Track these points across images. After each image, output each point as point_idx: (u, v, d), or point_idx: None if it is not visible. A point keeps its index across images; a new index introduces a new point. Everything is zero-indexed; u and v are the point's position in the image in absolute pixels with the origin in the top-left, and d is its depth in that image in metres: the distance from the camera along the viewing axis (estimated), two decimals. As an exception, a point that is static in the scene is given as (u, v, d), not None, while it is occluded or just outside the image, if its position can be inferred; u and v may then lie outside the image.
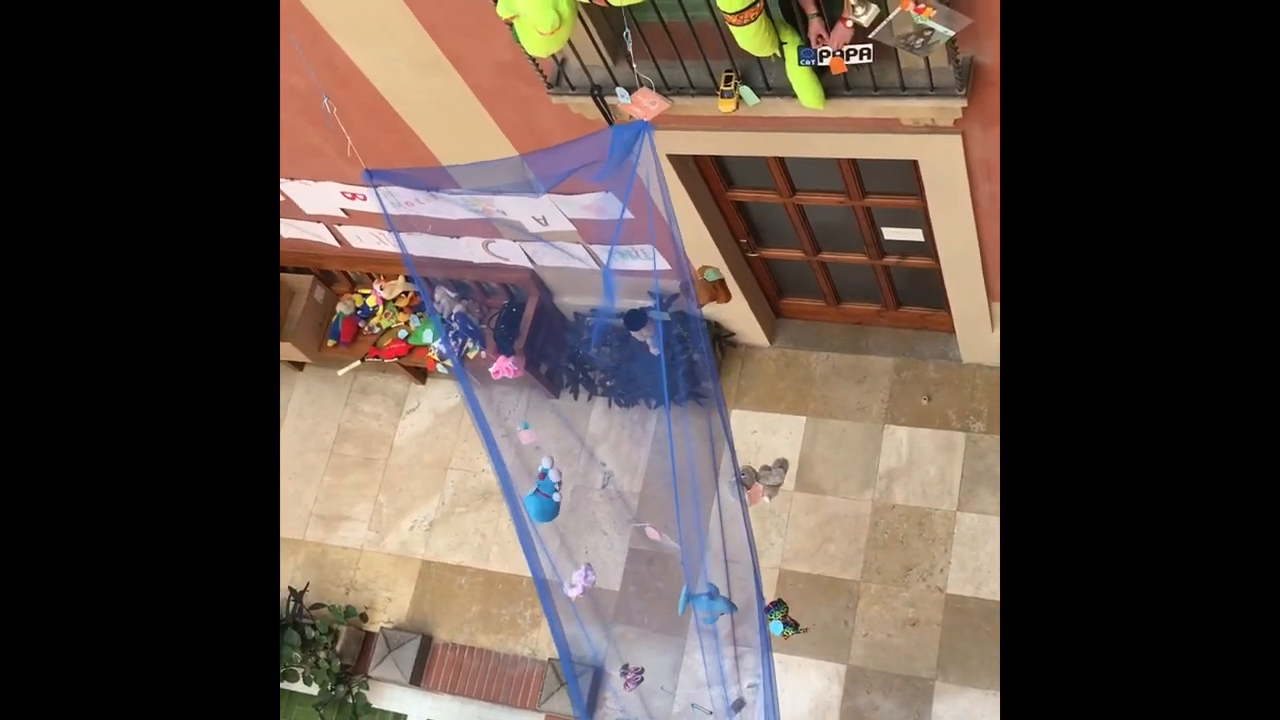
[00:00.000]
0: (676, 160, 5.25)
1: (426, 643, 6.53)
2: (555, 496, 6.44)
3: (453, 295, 6.81)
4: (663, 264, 5.64)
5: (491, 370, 6.49)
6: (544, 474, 6.60)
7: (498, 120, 5.08)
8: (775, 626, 5.07)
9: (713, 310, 6.39)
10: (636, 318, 5.62)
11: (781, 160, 5.30)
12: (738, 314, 6.43)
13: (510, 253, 6.37)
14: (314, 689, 6.53)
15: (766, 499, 6.21)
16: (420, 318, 6.97)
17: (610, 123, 4.46)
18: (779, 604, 5.38)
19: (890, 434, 6.29)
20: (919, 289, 6.20)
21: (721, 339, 6.63)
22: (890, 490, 6.17)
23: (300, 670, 6.49)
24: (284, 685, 6.61)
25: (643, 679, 5.80)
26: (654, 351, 6.11)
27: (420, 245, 6.28)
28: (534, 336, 6.60)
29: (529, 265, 6.47)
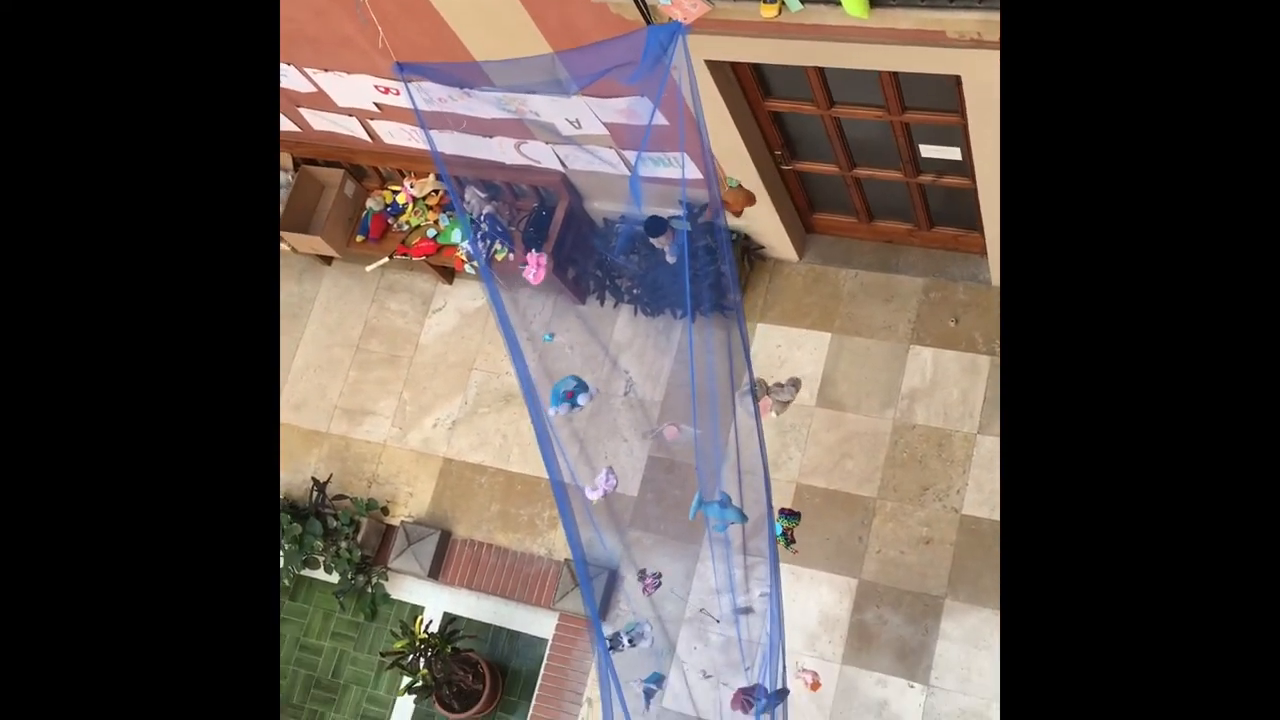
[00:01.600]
0: (714, 67, 5.16)
1: (445, 538, 6.64)
2: (582, 399, 6.46)
3: (483, 196, 6.78)
4: (693, 173, 5.59)
5: (523, 269, 6.49)
6: (571, 391, 6.62)
7: (534, 17, 5.00)
8: (776, 526, 5.15)
9: (743, 223, 6.34)
10: (657, 223, 5.58)
11: (821, 71, 5.20)
12: (768, 227, 6.37)
13: (542, 155, 6.32)
14: (334, 577, 6.68)
15: (774, 414, 6.23)
16: (449, 217, 6.96)
17: (649, 23, 4.38)
18: (795, 515, 5.44)
19: (915, 354, 6.27)
20: (953, 209, 6.12)
21: (750, 252, 6.59)
22: (912, 410, 6.17)
23: (322, 558, 6.63)
24: (306, 572, 6.77)
25: (660, 584, 5.90)
26: (670, 259, 6.08)
27: (452, 143, 6.23)
28: (562, 241, 6.58)
29: (560, 169, 6.42)
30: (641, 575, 6.00)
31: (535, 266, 6.45)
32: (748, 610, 5.55)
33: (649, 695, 5.55)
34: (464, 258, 6.82)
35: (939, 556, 5.89)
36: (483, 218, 6.73)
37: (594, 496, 6.50)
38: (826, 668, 5.85)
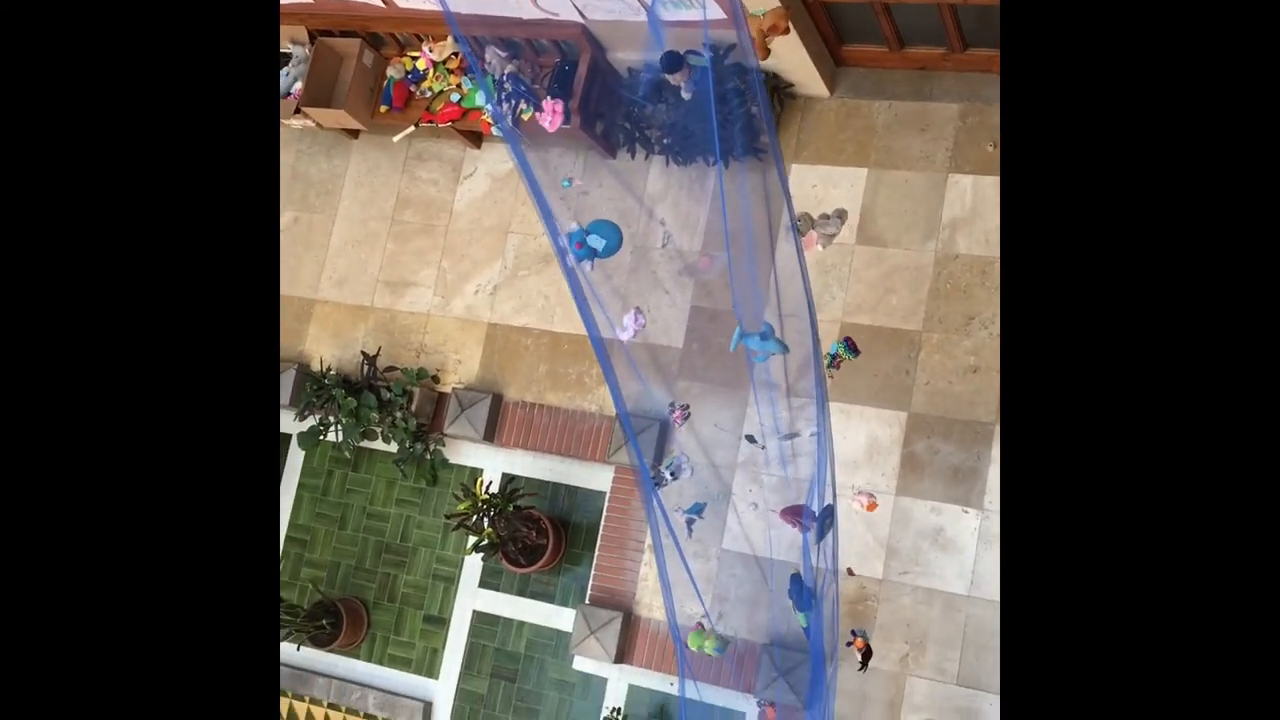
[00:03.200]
0: (730, -103, 4.96)
1: (497, 401, 6.75)
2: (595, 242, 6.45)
3: (503, 55, 6.65)
4: (716, 13, 5.43)
5: (541, 120, 6.40)
6: (580, 242, 6.61)
7: None
8: (834, 346, 5.21)
9: (772, 62, 6.19)
10: (673, 59, 5.44)
11: (842, -108, 4.99)
12: (796, 63, 6.22)
13: (560, 7, 6.16)
14: (393, 447, 6.83)
15: (820, 248, 6.19)
16: (472, 80, 6.84)
17: None
18: (854, 350, 5.52)
19: (954, 183, 6.16)
20: (987, 29, 5.93)
21: (780, 91, 6.44)
22: (953, 240, 6.11)
23: (379, 429, 6.77)
24: (365, 444, 6.93)
25: (689, 415, 6.03)
26: (685, 96, 5.95)
27: (466, 2, 6.10)
28: (588, 94, 6.46)
29: (580, 19, 6.26)
30: (671, 408, 6.13)
31: (551, 114, 6.36)
32: (793, 435, 5.66)
33: (690, 524, 5.87)
34: (490, 120, 6.73)
35: (987, 384, 5.90)
36: (505, 77, 6.62)
37: (625, 336, 6.57)
38: (880, 500, 5.95)
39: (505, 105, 6.56)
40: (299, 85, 7.05)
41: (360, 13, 6.78)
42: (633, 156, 6.75)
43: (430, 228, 7.25)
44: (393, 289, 7.25)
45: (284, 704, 6.94)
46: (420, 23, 6.74)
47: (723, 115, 5.85)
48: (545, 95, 6.57)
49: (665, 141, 6.57)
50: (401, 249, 7.29)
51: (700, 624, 5.62)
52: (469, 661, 6.65)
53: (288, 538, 7.15)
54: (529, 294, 6.93)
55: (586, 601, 6.36)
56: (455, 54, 6.87)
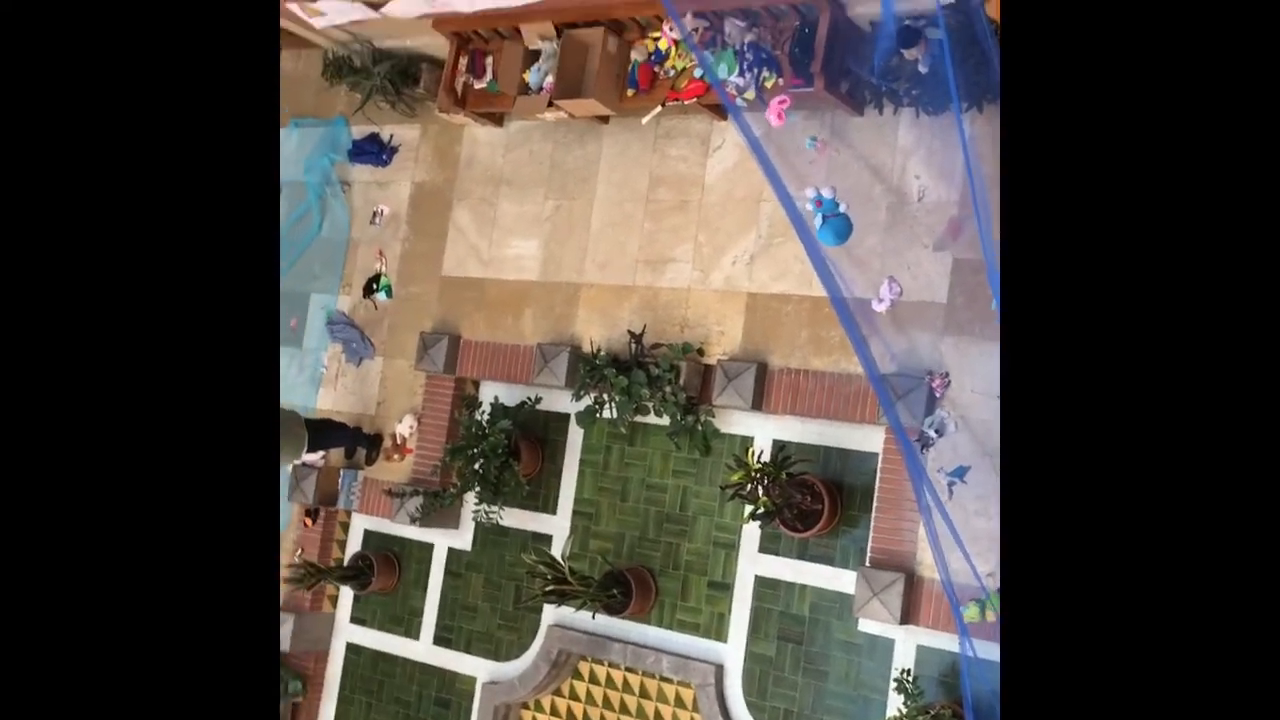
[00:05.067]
0: None
1: (762, 369, 6.83)
2: (841, 208, 6.40)
3: (742, 25, 6.67)
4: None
5: (767, 116, 6.40)
6: (819, 200, 6.55)
7: None
8: None
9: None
10: (909, 35, 5.29)
11: None
12: None
13: (795, -29, 6.11)
14: (665, 420, 7.05)
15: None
16: (714, 53, 6.89)
17: None
18: None
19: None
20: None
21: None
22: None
23: (650, 405, 7.00)
24: (639, 419, 7.18)
25: (950, 383, 5.91)
26: (922, 70, 5.78)
27: (702, -21, 6.15)
28: (830, 55, 6.39)
29: (816, -20, 6.19)
30: (930, 375, 6.02)
31: (774, 114, 6.35)
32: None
33: (950, 487, 5.88)
34: (735, 92, 6.77)
35: None
36: (745, 47, 6.64)
37: (881, 309, 6.46)
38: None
39: (748, 75, 6.58)
40: (550, 79, 7.33)
41: (601, 1, 6.96)
42: (880, 112, 6.63)
43: (684, 204, 7.39)
44: (652, 267, 7.45)
45: (584, 668, 7.35)
46: (658, 4, 6.84)
47: (968, 69, 5.66)
48: (788, 59, 6.55)
49: (914, 93, 6.42)
50: (658, 227, 7.47)
51: (977, 597, 5.52)
52: (755, 625, 6.81)
53: (574, 512, 7.52)
54: (785, 260, 6.95)
55: (867, 564, 6.37)
56: (695, 29, 6.94)
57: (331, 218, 8.97)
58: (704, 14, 6.57)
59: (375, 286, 8.64)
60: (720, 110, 7.21)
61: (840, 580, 6.59)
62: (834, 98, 6.51)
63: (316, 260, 8.98)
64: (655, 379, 6.97)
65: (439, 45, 8.06)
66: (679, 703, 6.99)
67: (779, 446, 6.70)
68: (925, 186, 6.49)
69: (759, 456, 6.54)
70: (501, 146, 8.21)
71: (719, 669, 6.83)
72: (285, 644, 8.11)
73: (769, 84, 6.52)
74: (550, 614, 7.40)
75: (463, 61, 7.90)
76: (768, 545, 6.85)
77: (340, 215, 8.91)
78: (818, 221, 6.51)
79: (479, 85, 7.89)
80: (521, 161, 8.10)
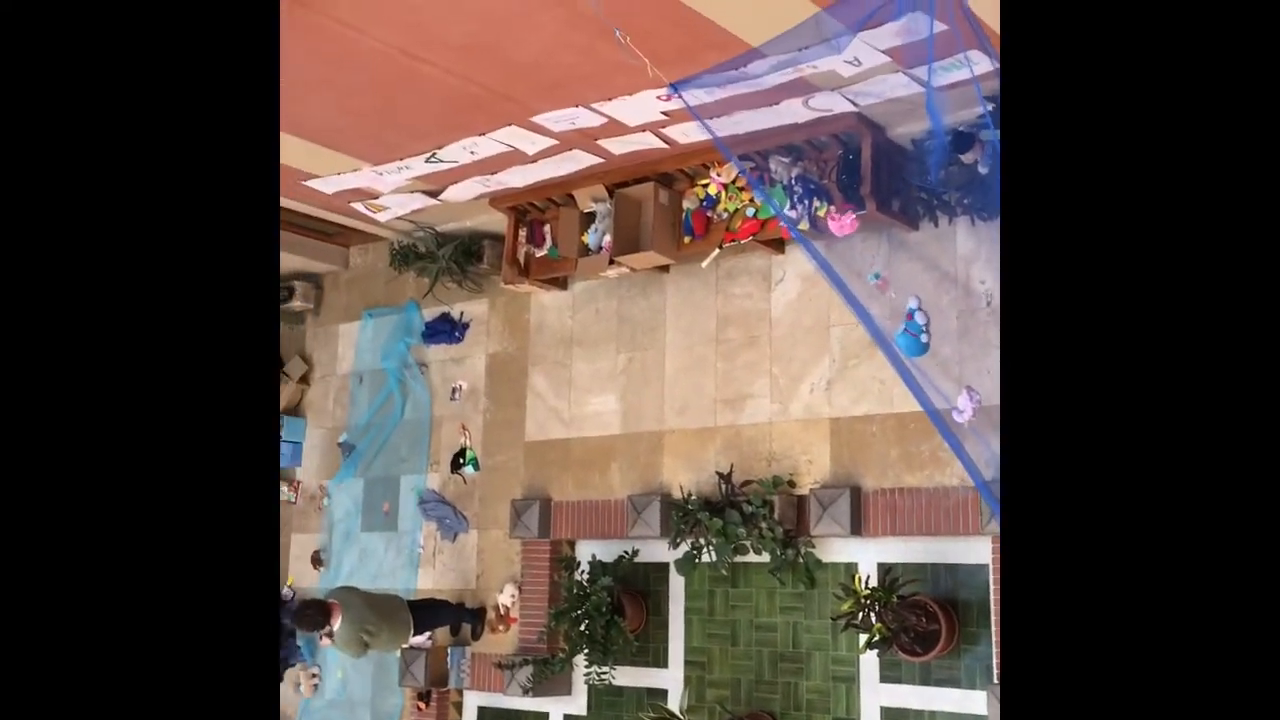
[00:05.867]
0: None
1: (856, 493, 6.75)
2: (923, 338, 6.43)
3: (786, 161, 6.84)
4: (985, 66, 5.37)
5: (833, 228, 6.52)
6: (910, 314, 6.60)
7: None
8: None
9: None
10: (963, 140, 5.39)
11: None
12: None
13: (831, 103, 6.29)
14: (765, 557, 6.96)
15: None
16: (763, 191, 7.06)
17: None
18: None
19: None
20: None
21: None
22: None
23: (749, 543, 6.93)
24: (739, 559, 7.10)
25: None
26: (982, 171, 5.86)
27: (742, 123, 6.35)
28: (877, 177, 6.51)
29: (853, 109, 6.36)
30: None
31: (841, 223, 6.48)
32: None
33: None
34: (788, 226, 6.90)
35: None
36: (794, 181, 6.79)
37: (962, 419, 6.40)
38: None
39: (799, 207, 6.72)
40: (608, 238, 7.54)
41: (647, 158, 7.20)
42: (935, 225, 6.70)
43: (754, 339, 7.46)
44: (731, 405, 7.48)
45: (717, 826, 7.10)
46: (702, 153, 7.07)
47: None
48: (837, 186, 6.68)
49: (965, 201, 6.49)
50: (732, 365, 7.53)
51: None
52: (888, 760, 6.56)
53: (686, 662, 7.39)
54: (863, 382, 6.94)
55: (995, 681, 6.14)
56: (742, 173, 7.13)
57: (413, 399, 9.18)
58: (748, 155, 6.76)
59: (462, 461, 8.77)
60: (777, 244, 7.34)
61: (970, 702, 6.35)
62: (888, 217, 6.60)
63: (403, 443, 9.17)
64: (750, 516, 6.92)
65: (498, 221, 8.37)
66: None
67: (885, 569, 6.57)
68: (991, 291, 6.49)
69: (866, 582, 6.41)
70: (568, 309, 8.41)
71: (857, 810, 6.56)
72: (412, 835, 7.96)
73: (821, 213, 6.64)
74: (676, 772, 7.20)
75: (522, 233, 8.18)
76: (888, 673, 6.65)
77: (421, 396, 9.12)
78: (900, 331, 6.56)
79: (540, 253, 8.13)
80: (589, 320, 8.27)
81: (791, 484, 7.02)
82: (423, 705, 8.46)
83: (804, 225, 6.69)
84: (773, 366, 7.34)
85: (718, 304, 7.67)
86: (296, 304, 9.93)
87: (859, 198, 6.52)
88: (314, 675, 9.30)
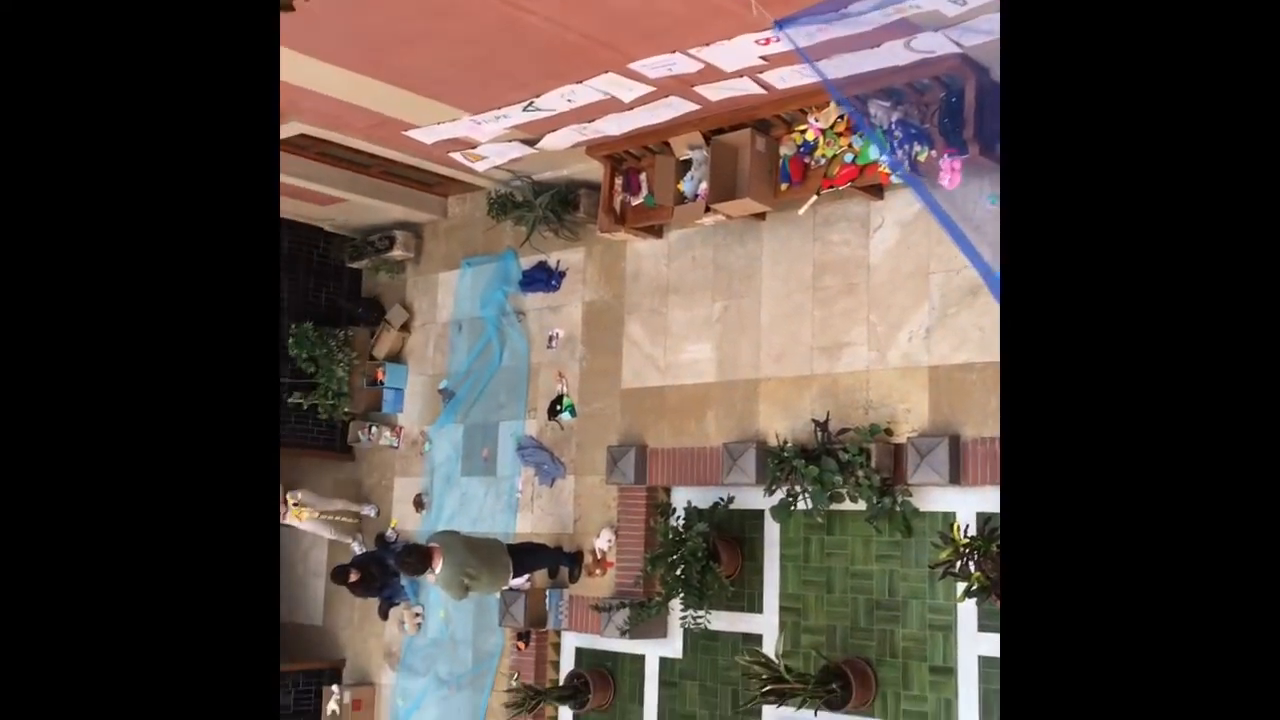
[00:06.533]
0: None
1: (955, 442, 6.69)
2: None
3: (887, 105, 6.73)
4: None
5: (940, 180, 6.40)
6: None
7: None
8: None
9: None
10: None
11: None
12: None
13: (934, 44, 6.16)
14: (861, 505, 6.95)
15: None
16: (862, 136, 6.97)
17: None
18: None
19: None
20: None
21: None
22: None
23: (845, 491, 6.93)
24: (834, 507, 7.09)
25: None
26: None
27: (843, 66, 6.26)
28: (980, 120, 6.37)
29: (956, 50, 6.22)
30: None
31: (949, 171, 6.35)
32: None
33: None
34: (888, 171, 6.81)
35: None
36: (894, 125, 6.68)
37: None
38: None
39: (900, 152, 6.62)
40: (704, 185, 7.52)
41: (744, 104, 7.15)
42: (1041, 168, 6.54)
43: (851, 287, 7.40)
44: (828, 353, 7.44)
45: (812, 769, 7.17)
46: (800, 98, 6.99)
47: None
48: (938, 131, 6.56)
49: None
50: (829, 313, 7.49)
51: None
52: (986, 708, 6.54)
53: (781, 608, 7.44)
54: (963, 329, 6.85)
55: (1096, 631, 6.07)
56: (841, 117, 7.04)
57: (511, 347, 9.32)
58: (847, 100, 6.67)
59: (559, 408, 8.89)
60: (876, 190, 7.25)
61: (1070, 652, 6.28)
62: (992, 160, 6.46)
63: (501, 389, 9.32)
64: (846, 465, 6.90)
65: (594, 170, 8.40)
66: (916, 797, 6.74)
67: (984, 519, 6.51)
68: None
69: (965, 531, 6.36)
70: (664, 257, 8.42)
71: (953, 757, 6.57)
72: (512, 769, 8.21)
73: (922, 158, 6.53)
74: (770, 715, 7.29)
75: (618, 181, 8.20)
76: (987, 623, 6.61)
77: (519, 344, 9.25)
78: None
79: (636, 201, 8.15)
80: (685, 268, 8.28)
81: (889, 432, 6.98)
82: (522, 645, 8.67)
83: (904, 171, 6.59)
84: (870, 314, 7.27)
85: (815, 251, 7.61)
86: (397, 253, 10.12)
87: (961, 142, 6.40)
88: (418, 614, 9.58)
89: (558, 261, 9.12)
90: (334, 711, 9.78)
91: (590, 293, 8.90)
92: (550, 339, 9.08)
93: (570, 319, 9.00)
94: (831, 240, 7.53)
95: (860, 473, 6.83)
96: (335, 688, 9.86)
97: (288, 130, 7.92)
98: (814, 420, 7.17)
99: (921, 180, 6.27)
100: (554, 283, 9.10)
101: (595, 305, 8.84)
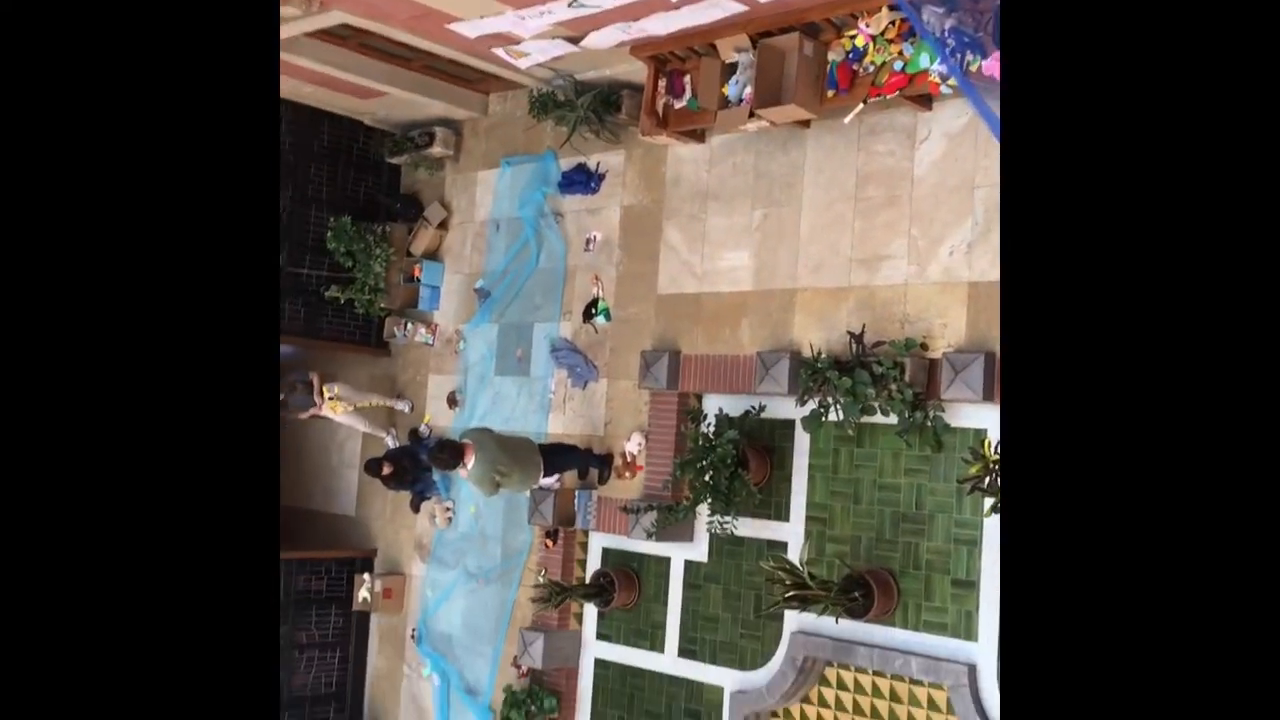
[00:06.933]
0: None
1: (990, 359, 6.64)
2: None
3: (940, 11, 6.55)
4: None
5: (988, 70, 6.24)
6: None
7: None
8: None
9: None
10: None
11: None
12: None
13: (992, -52, 5.97)
14: (893, 419, 6.96)
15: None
16: (913, 44, 6.81)
17: None
18: None
19: None
20: None
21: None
22: None
23: (877, 404, 6.93)
24: (865, 419, 7.10)
25: None
26: None
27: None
28: (1036, 30, 6.19)
29: (1015, -45, 6.03)
30: None
31: (995, 69, 6.18)
32: None
33: None
34: (938, 80, 6.66)
35: None
36: (947, 33, 6.51)
37: None
38: None
39: (952, 60, 6.46)
40: (749, 90, 7.40)
41: (793, 6, 6.99)
42: (1096, 82, 6.37)
43: (894, 199, 7.30)
44: (867, 265, 7.38)
45: (831, 674, 7.30)
46: (850, 1, 6.82)
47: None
48: (991, 40, 6.39)
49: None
50: (869, 225, 7.40)
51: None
52: (1005, 622, 6.60)
53: (807, 518, 7.50)
54: (1006, 246, 6.75)
55: (1121, 552, 6.08)
56: (892, 23, 6.87)
57: (548, 249, 9.30)
58: (899, 4, 6.50)
59: (594, 311, 8.90)
60: (924, 101, 7.10)
61: (1094, 571, 6.31)
62: (1044, 73, 6.31)
63: (537, 291, 9.33)
64: (880, 378, 6.89)
65: (637, 71, 8.27)
66: (932, 705, 6.85)
67: (1016, 436, 6.49)
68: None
69: (996, 448, 6.36)
70: (705, 162, 8.33)
71: (971, 669, 6.66)
72: (537, 662, 8.41)
73: (974, 67, 6.38)
74: (792, 621, 7.40)
75: (661, 83, 8.08)
76: (1012, 539, 6.64)
77: (556, 245, 9.23)
78: None
79: (679, 105, 8.03)
80: (726, 174, 8.19)
81: (924, 347, 6.95)
82: (550, 543, 8.81)
83: (951, 81, 6.45)
84: (912, 227, 7.19)
85: (859, 161, 7.50)
86: (436, 150, 10.07)
87: (1015, 52, 6.23)
88: (448, 509, 9.75)
89: (598, 164, 9.04)
90: (365, 598, 10.03)
91: (629, 196, 8.83)
92: (587, 242, 9.05)
93: (608, 222, 8.95)
94: (876, 150, 7.41)
95: (893, 386, 6.82)
96: (366, 576, 10.09)
97: (329, 20, 7.83)
98: (849, 332, 7.14)
99: (974, 88, 6.13)
100: (593, 185, 9.04)
101: (634, 209, 8.78)
